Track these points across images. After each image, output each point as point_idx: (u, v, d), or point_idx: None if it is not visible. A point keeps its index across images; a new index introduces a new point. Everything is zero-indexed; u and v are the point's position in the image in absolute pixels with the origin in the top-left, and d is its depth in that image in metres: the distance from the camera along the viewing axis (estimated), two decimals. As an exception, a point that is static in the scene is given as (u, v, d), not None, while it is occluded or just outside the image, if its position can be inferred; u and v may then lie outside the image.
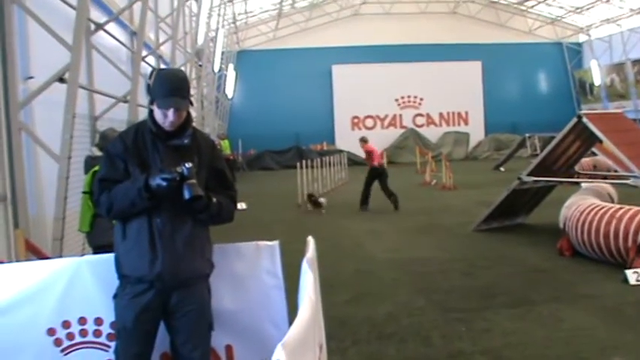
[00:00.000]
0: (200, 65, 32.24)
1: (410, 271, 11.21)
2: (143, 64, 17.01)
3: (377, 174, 19.99)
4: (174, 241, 4.32)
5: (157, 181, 4.15)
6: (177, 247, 4.32)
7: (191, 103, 4.45)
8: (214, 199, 4.39)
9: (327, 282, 6.09)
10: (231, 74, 43.81)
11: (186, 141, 4.40)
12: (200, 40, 30.98)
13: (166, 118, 4.29)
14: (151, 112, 4.38)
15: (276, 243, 4.84)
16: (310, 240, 4.51)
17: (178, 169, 4.16)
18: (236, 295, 4.78)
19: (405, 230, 15.60)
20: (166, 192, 4.18)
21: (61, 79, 9.73)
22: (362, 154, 21.89)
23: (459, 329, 7.80)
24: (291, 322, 4.61)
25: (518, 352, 6.95)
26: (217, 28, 35.55)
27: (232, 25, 44.33)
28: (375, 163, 20.06)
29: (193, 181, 4.20)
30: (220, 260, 4.64)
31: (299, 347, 2.71)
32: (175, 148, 4.38)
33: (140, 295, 4.30)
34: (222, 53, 39.60)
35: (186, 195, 4.18)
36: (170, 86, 4.30)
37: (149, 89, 4.31)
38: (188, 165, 4.17)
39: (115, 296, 4.39)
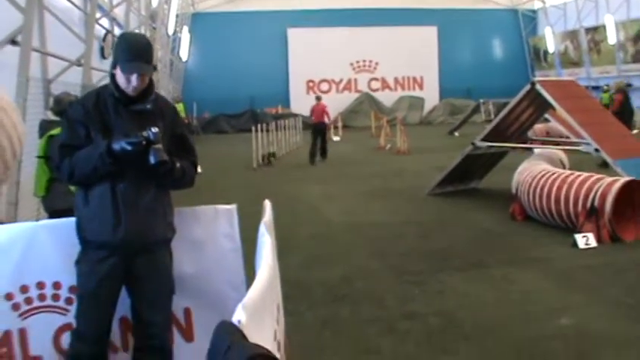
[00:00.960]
0: (154, 28, 31.84)
1: (364, 234, 11.33)
2: (97, 26, 16.78)
3: (314, 130, 23.73)
4: (138, 206, 4.32)
5: (121, 145, 4.12)
6: (140, 213, 4.32)
7: (155, 68, 4.46)
8: (178, 164, 4.40)
9: (282, 245, 6.15)
10: (185, 37, 43.30)
11: (149, 106, 4.39)
12: (154, 3, 30.63)
13: (129, 82, 4.26)
14: (112, 76, 4.35)
15: (234, 207, 4.88)
16: (267, 203, 4.56)
17: (144, 134, 4.15)
18: (194, 258, 4.81)
19: (360, 194, 15.69)
20: (131, 157, 4.16)
21: (14, 42, 9.59)
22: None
23: (413, 291, 7.94)
24: (248, 284, 4.69)
25: (470, 313, 7.11)
26: (172, -11, 35.14)
27: (187, -13, 43.76)
28: (314, 119, 23.86)
29: (159, 145, 4.20)
30: (178, 224, 4.67)
31: (258, 308, 2.77)
32: (138, 113, 4.36)
33: (103, 261, 4.30)
34: (177, 15, 39.15)
35: (152, 160, 4.18)
36: (134, 51, 4.28)
37: (111, 54, 4.33)
38: (154, 130, 4.16)
39: (78, 262, 4.38)
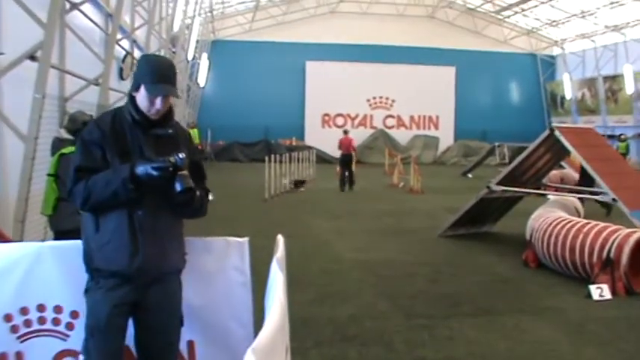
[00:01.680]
0: (174, 52, 31.98)
1: (375, 273, 11.15)
2: (117, 47, 16.78)
3: (342, 160, 26.11)
4: (156, 234, 4.16)
5: (147, 169, 3.95)
6: (157, 241, 4.16)
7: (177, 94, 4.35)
8: (197, 192, 4.24)
9: (291, 280, 5.97)
10: (204, 63, 43.49)
11: (170, 130, 4.28)
12: (176, 27, 30.78)
13: (153, 105, 4.15)
14: (132, 98, 4.21)
15: (245, 240, 4.75)
16: (280, 239, 4.42)
17: (172, 159, 3.98)
18: (202, 290, 4.69)
19: (372, 231, 15.54)
20: (156, 182, 4.00)
21: (32, 57, 9.54)
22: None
23: (423, 336, 7.75)
24: (256, 320, 4.54)
25: (480, 362, 6.92)
26: (194, 16, 35.31)
27: (209, 14, 44.01)
28: (343, 151, 26.12)
29: (185, 172, 4.05)
30: (188, 254, 4.54)
31: (268, 352, 2.63)
32: (156, 137, 4.22)
33: (115, 289, 4.12)
34: (197, 41, 39.33)
35: (179, 187, 4.01)
36: (160, 73, 4.17)
37: (130, 75, 4.21)
38: (182, 155, 4.01)
39: (87, 291, 4.19)
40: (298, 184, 25.37)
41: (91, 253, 4.15)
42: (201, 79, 44.02)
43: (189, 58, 37.34)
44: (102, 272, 4.12)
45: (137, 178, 3.96)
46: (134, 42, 21.84)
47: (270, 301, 3.50)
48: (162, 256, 4.19)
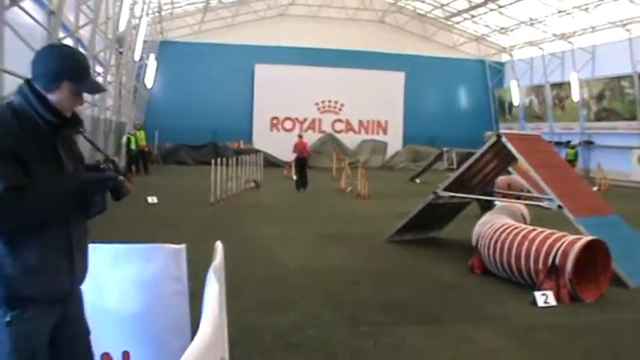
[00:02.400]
0: (120, 52, 31.59)
1: (319, 279, 11.05)
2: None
3: (298, 162, 28.04)
4: (81, 246, 3.84)
5: (99, 182, 3.65)
6: (83, 253, 3.87)
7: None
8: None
9: (233, 287, 5.85)
10: (152, 64, 43.07)
11: (82, 129, 3.90)
12: (122, 27, 30.37)
13: (77, 104, 3.77)
14: (42, 96, 3.68)
15: (182, 247, 4.60)
16: (218, 246, 4.30)
17: (110, 165, 3.72)
18: (136, 299, 4.55)
19: (317, 237, 15.45)
20: (102, 192, 3.72)
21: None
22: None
23: (368, 344, 7.66)
24: (193, 330, 4.40)
25: (425, 371, 6.85)
26: (141, 16, 34.97)
27: (157, 14, 43.57)
28: (299, 154, 27.97)
29: (122, 177, 3.79)
30: (123, 261, 4.38)
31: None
32: (64, 139, 3.79)
33: (48, 315, 3.70)
34: (145, 42, 38.95)
35: (123, 193, 3.74)
36: (86, 66, 3.84)
37: (42, 70, 3.74)
38: (116, 159, 3.81)
39: (9, 324, 3.58)
40: (256, 183, 27.45)
41: (11, 282, 3.54)
42: (149, 80, 43.60)
43: (137, 58, 36.95)
44: (32, 300, 3.62)
45: (87, 191, 3.67)
46: (78, 41, 21.43)
47: (204, 312, 3.37)
48: (86, 268, 3.92)
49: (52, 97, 3.68)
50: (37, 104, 3.63)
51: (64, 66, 3.72)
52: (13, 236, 3.50)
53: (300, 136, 29.86)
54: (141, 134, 34.09)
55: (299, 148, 28.05)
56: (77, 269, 3.79)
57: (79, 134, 3.92)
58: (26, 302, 3.57)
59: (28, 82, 3.70)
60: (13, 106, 3.62)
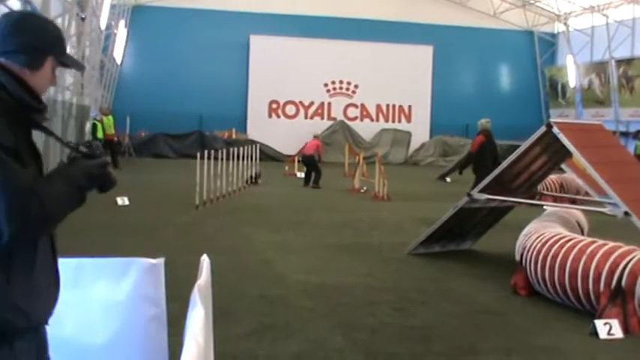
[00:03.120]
0: (82, 19, 31.55)
1: (328, 300, 11.08)
2: (2, 7, 16.43)
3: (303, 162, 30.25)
4: (56, 255, 3.79)
5: (92, 169, 3.58)
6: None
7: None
8: None
9: (223, 309, 5.85)
10: (122, 34, 43.17)
11: (47, 115, 3.84)
12: (83, -14, 30.30)
13: (53, 83, 3.77)
14: (18, 76, 3.59)
15: (160, 261, 4.60)
16: (204, 260, 4.30)
17: (97, 151, 3.66)
18: (105, 325, 4.55)
19: (325, 247, 15.50)
20: (104, 180, 3.67)
21: None
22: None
23: (385, 381, 7.68)
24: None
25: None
26: (108, -28, 34.91)
27: (128, -28, 43.51)
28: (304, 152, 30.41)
29: None
30: (86, 279, 4.38)
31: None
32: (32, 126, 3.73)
33: (34, 343, 3.64)
34: (113, 6, 38.97)
35: (112, 182, 3.72)
36: (63, 37, 3.83)
37: (26, 42, 3.68)
38: (95, 143, 3.79)
39: None
40: (254, 178, 29.00)
41: (9, 309, 3.44)
42: (118, 53, 43.72)
43: (102, 27, 37.00)
44: (21, 331, 3.53)
45: (89, 183, 3.62)
46: (27, 3, 21.25)
47: (186, 341, 3.38)
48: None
49: (32, 75, 3.62)
50: (13, 86, 3.54)
51: (50, 38, 3.69)
52: (9, 254, 3.41)
53: (315, 137, 32.49)
54: (109, 120, 34.16)
55: (309, 145, 30.51)
56: (59, 282, 3.76)
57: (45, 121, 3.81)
58: (13, 336, 3.49)
59: None
60: None
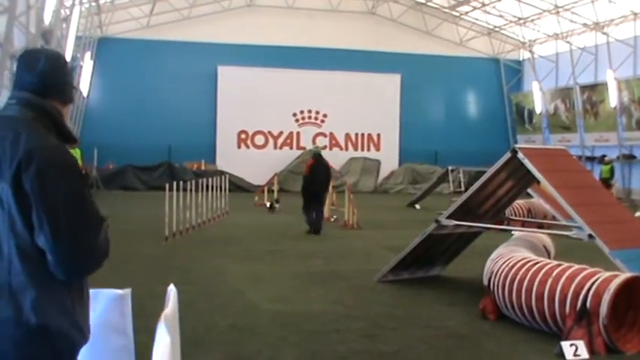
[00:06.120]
0: (47, 51, 31.34)
1: (298, 328, 11.08)
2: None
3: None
4: None
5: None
6: None
7: None
8: None
9: (193, 339, 5.84)
10: (87, 66, 42.94)
11: None
12: (48, 18, 30.10)
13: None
14: (57, 114, 3.95)
15: (127, 292, 4.63)
16: (171, 290, 4.33)
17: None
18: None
19: (295, 276, 15.48)
20: None
21: None
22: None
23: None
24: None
25: None
26: (72, 5, 34.64)
27: (93, 4, 43.10)
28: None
29: None
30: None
31: None
32: None
33: None
34: (78, 38, 38.72)
35: None
36: None
37: (59, 81, 3.85)
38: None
39: None
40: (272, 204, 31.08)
41: (72, 332, 3.88)
42: (84, 85, 43.37)
43: (68, 59, 36.78)
44: (79, 345, 3.96)
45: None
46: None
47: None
48: None
49: (66, 110, 3.99)
50: (60, 124, 3.93)
51: (70, 74, 4.02)
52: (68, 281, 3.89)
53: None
54: (76, 152, 33.71)
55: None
56: None
57: None
58: (74, 349, 3.94)
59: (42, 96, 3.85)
60: (43, 133, 3.85)
